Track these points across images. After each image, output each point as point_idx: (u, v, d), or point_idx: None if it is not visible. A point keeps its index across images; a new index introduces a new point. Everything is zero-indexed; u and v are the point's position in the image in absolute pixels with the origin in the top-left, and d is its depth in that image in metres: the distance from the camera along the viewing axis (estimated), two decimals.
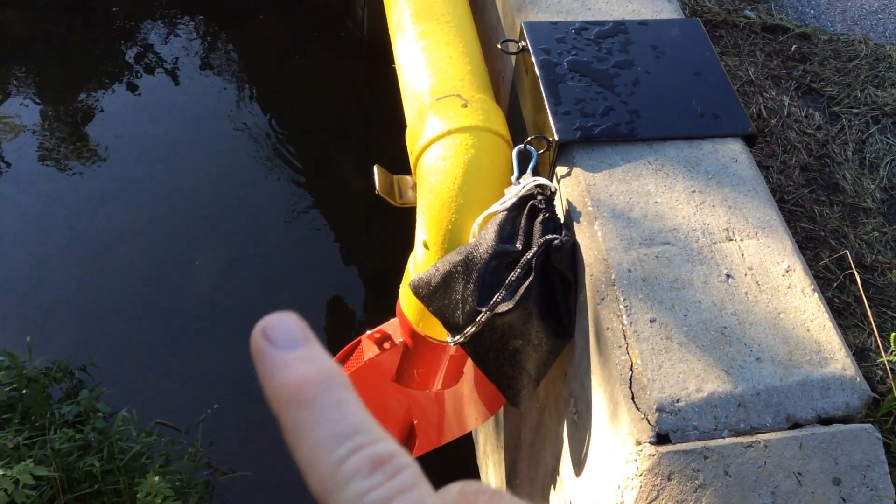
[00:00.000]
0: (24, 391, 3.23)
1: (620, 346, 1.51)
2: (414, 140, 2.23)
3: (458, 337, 1.78)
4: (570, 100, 2.03)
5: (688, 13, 2.60)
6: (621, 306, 1.55)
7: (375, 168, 2.46)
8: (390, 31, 2.69)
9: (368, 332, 2.33)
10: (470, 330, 1.74)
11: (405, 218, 2.76)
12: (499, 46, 2.30)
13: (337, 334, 4.45)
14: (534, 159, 1.93)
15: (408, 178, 2.51)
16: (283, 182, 5.29)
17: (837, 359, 1.49)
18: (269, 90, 5.98)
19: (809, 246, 1.96)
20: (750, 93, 2.29)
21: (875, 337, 1.80)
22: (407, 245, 2.33)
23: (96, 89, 5.87)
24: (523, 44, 2.23)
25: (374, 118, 5.74)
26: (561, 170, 1.94)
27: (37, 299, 4.43)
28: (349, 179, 5.40)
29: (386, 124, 5.02)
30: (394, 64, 2.62)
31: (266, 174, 5.32)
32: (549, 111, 1.99)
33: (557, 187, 1.93)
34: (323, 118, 5.84)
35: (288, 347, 0.35)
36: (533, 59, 2.14)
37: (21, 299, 4.43)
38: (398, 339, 2.26)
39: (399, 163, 2.49)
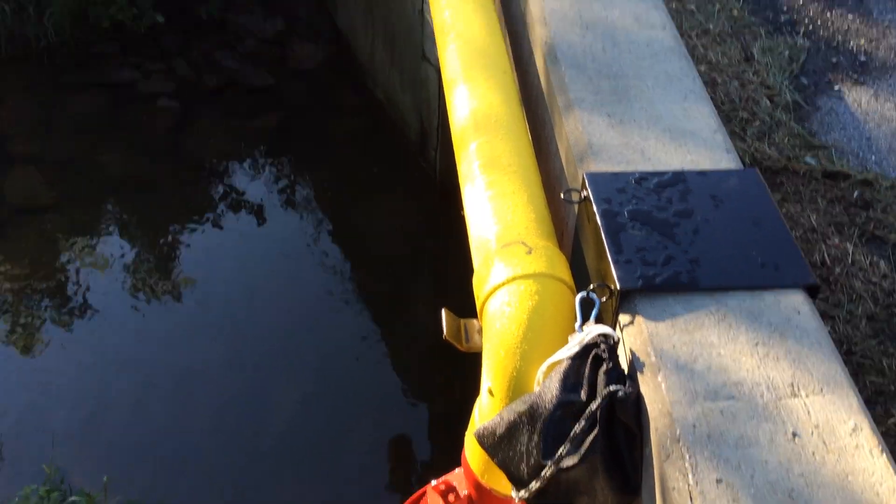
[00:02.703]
0: None
1: None
2: (480, 286, 2.29)
3: (522, 492, 1.78)
4: (631, 248, 2.07)
5: (748, 160, 2.67)
6: (687, 465, 1.54)
7: (443, 312, 2.51)
8: (459, 180, 2.82)
9: (434, 483, 2.33)
10: (534, 485, 1.74)
11: (472, 360, 2.80)
12: (562, 196, 2.39)
13: (401, 475, 4.43)
14: (596, 307, 1.96)
15: (474, 321, 2.55)
16: (354, 317, 5.42)
17: None
18: (345, 226, 6.22)
19: (879, 400, 1.92)
20: (812, 240, 2.31)
21: None
22: (473, 388, 2.35)
23: (183, 227, 6.20)
24: (585, 193, 2.30)
25: (444, 257, 5.87)
26: (624, 318, 1.96)
27: (114, 437, 4.56)
28: (418, 317, 5.49)
29: (455, 264, 5.14)
30: (462, 210, 2.72)
31: (338, 309, 5.47)
32: (610, 259, 2.04)
33: (620, 336, 1.95)
34: (395, 255, 6.02)
35: None
36: (594, 208, 2.20)
37: (98, 436, 4.56)
38: (463, 492, 2.25)
39: (467, 305, 2.54)
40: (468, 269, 2.61)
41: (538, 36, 2.88)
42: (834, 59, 2.95)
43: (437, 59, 3.71)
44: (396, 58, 6.42)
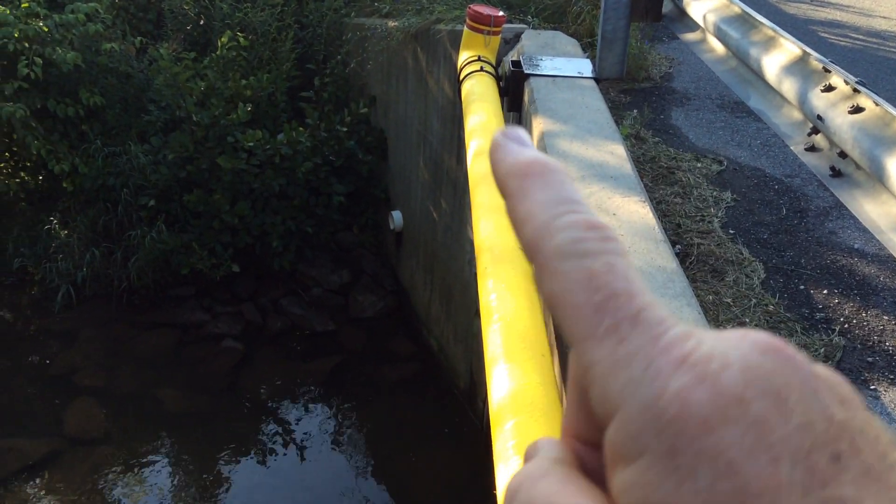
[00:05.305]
0: None
1: None
2: None
3: None
4: None
5: None
6: None
7: None
8: (493, 459, 2.85)
9: None
10: None
11: None
12: None
13: None
14: None
15: None
16: None
17: None
18: (390, 472, 6.19)
19: None
20: None
21: None
22: None
23: (232, 462, 6.25)
24: None
25: None
26: None
27: None
28: None
29: None
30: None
31: None
32: None
33: None
34: (441, 500, 5.90)
35: (523, 144, 0.39)
36: None
37: None
38: None
39: None
40: None
41: None
42: (870, 359, 3.00)
43: None
44: (452, 312, 6.67)
